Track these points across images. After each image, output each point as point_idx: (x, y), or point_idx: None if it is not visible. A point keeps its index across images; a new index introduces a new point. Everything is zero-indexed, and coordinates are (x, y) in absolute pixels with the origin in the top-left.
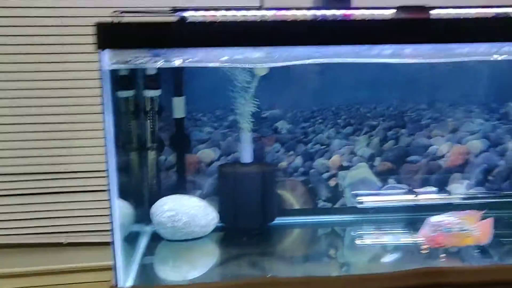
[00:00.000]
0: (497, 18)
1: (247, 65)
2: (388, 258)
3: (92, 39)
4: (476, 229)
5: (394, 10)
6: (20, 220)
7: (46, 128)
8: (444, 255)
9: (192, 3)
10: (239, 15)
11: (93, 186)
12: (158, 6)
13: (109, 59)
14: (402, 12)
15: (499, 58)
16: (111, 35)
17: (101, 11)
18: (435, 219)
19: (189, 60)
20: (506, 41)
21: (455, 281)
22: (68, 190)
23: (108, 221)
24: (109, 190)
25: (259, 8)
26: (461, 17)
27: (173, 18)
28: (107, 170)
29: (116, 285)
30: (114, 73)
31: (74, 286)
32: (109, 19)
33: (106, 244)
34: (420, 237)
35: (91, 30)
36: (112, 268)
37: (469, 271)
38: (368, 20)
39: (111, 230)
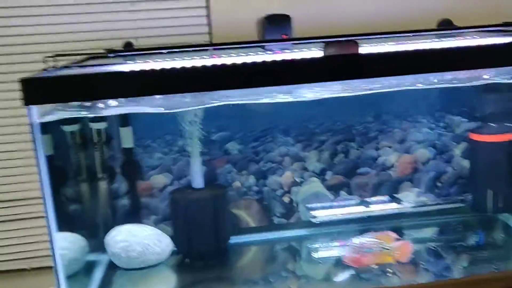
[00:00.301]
0: (418, 52)
1: (177, 111)
2: (341, 277)
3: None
4: (394, 247)
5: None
6: None
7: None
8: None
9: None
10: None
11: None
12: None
13: (38, 113)
14: (331, 47)
15: (422, 87)
16: (37, 91)
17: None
18: (356, 241)
19: (120, 107)
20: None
21: None
22: (28, 217)
23: None
24: (48, 226)
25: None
26: (388, 53)
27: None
28: (45, 211)
29: None
30: (45, 125)
31: None
32: (33, 74)
33: None
34: (345, 261)
35: None
36: None
37: None
38: (295, 62)
39: (54, 268)
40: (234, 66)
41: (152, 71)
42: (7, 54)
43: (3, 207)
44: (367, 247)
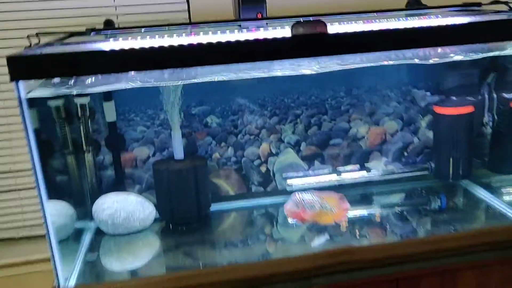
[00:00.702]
0: (380, 32)
1: (157, 84)
2: (316, 241)
3: None
4: (335, 208)
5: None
6: None
7: None
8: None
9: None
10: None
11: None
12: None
13: (25, 88)
14: (299, 27)
15: (386, 63)
16: (23, 67)
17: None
18: (299, 195)
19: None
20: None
21: (363, 258)
22: (15, 188)
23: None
24: (40, 196)
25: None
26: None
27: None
28: (36, 181)
29: (58, 286)
30: (31, 100)
31: (30, 276)
32: (18, 52)
33: None
34: (285, 211)
35: None
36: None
37: (373, 248)
38: (268, 40)
39: (47, 234)
40: (211, 44)
41: (132, 49)
42: None
43: None
44: (309, 204)
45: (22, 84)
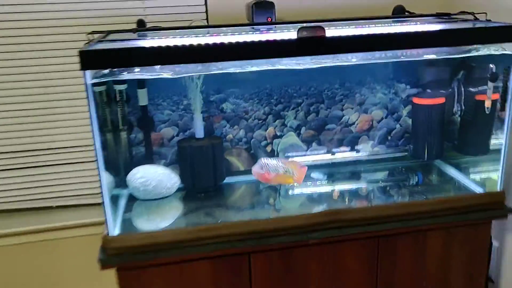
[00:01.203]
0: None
1: (183, 75)
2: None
3: None
4: (295, 173)
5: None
6: (14, 189)
7: (33, 113)
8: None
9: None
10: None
11: (74, 159)
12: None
13: (89, 76)
14: (303, 31)
15: (374, 61)
16: (91, 60)
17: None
18: (265, 160)
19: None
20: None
21: (351, 217)
22: (53, 164)
23: (87, 187)
24: (97, 162)
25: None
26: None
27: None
28: (95, 149)
29: (108, 234)
30: (93, 85)
31: (65, 240)
32: (84, 47)
33: (89, 205)
34: (252, 173)
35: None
36: (104, 222)
37: (358, 210)
38: (277, 41)
39: (101, 192)
40: (229, 43)
41: (168, 46)
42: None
43: (30, 155)
44: (273, 168)
45: (88, 73)
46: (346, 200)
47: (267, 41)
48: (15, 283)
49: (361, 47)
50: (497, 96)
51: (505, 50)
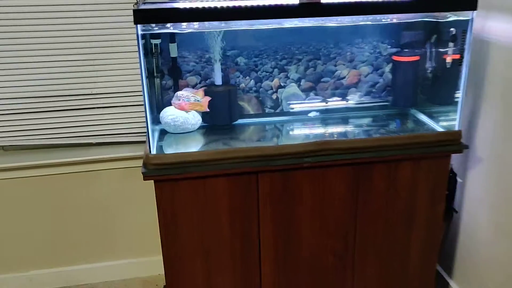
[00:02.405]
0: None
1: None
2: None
3: None
4: (202, 100)
5: None
6: (63, 127)
7: (79, 63)
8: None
9: None
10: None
11: (111, 103)
12: None
13: (140, 29)
14: None
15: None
16: (142, 16)
17: None
18: (179, 92)
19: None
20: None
21: (337, 147)
22: (94, 107)
23: (122, 127)
24: (145, 105)
25: None
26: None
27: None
28: (142, 91)
29: (150, 152)
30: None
31: (101, 172)
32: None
33: (122, 143)
34: (172, 104)
35: None
36: (146, 143)
37: (343, 141)
38: (283, 5)
39: (146, 121)
40: (243, 5)
41: (196, 7)
42: None
43: (73, 99)
44: (186, 97)
45: (139, 26)
46: (335, 135)
47: (275, 5)
48: (63, 206)
49: (351, 11)
50: (458, 56)
51: (460, 17)
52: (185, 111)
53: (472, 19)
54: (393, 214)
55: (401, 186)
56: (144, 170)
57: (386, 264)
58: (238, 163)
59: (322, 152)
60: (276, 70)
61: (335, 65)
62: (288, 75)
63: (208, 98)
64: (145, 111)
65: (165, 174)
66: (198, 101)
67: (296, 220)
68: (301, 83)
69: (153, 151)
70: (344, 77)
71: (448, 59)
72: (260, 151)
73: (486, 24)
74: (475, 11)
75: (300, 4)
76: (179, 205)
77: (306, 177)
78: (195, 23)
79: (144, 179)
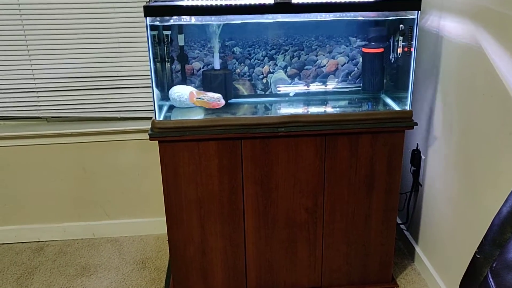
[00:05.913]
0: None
1: (208, 22)
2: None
3: None
4: (212, 100)
5: None
6: (93, 103)
7: (107, 50)
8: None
9: None
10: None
11: (133, 84)
12: None
13: (149, 21)
14: None
15: (328, 18)
16: (150, 11)
17: None
18: (193, 89)
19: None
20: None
21: (306, 120)
22: (118, 87)
23: (145, 104)
24: (152, 81)
25: None
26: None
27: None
28: (150, 73)
29: (156, 118)
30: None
31: (125, 142)
32: (148, 3)
33: (142, 118)
34: (189, 99)
35: None
36: (153, 111)
37: (313, 116)
38: (264, 4)
39: (152, 96)
40: (237, 4)
41: (198, 5)
42: None
43: (101, 80)
44: (200, 96)
45: (149, 19)
46: (309, 112)
47: (256, 4)
48: (93, 170)
49: (311, 10)
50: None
51: (408, 16)
52: (196, 105)
53: (417, 18)
54: (356, 179)
55: (362, 155)
56: (150, 132)
57: (351, 220)
58: (225, 130)
59: (293, 124)
60: (266, 58)
61: (316, 55)
62: (276, 62)
63: (214, 104)
64: (152, 88)
65: (167, 136)
66: (211, 100)
67: (274, 180)
68: (287, 70)
69: (159, 118)
70: (324, 66)
71: (399, 51)
72: (242, 120)
73: (440, 22)
74: (419, 11)
75: (275, 4)
76: (178, 162)
77: (281, 144)
78: (194, 17)
79: (150, 140)
